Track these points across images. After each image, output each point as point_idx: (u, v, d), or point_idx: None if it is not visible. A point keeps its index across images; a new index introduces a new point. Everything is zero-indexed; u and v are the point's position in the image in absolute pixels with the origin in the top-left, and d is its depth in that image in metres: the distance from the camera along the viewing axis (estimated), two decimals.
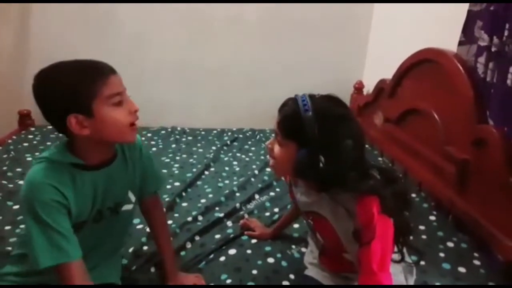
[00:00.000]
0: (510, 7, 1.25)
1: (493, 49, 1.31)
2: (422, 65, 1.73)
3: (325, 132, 0.83)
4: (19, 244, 1.01)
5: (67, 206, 0.85)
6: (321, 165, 0.83)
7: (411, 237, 1.25)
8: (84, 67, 0.85)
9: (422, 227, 1.41)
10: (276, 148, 0.90)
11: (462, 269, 1.20)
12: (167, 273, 1.12)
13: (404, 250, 0.99)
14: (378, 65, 2.39)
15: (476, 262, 1.23)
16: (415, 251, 1.02)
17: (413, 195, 1.64)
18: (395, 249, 0.94)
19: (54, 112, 0.84)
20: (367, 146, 2.17)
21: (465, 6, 1.48)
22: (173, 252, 1.17)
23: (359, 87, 2.48)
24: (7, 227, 1.33)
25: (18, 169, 1.76)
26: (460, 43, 1.51)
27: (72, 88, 0.81)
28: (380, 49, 2.41)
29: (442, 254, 1.27)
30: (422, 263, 1.21)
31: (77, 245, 0.86)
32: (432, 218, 1.47)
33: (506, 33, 1.25)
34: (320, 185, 0.91)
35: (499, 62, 1.29)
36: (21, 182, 1.63)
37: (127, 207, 1.02)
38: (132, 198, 1.03)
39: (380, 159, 2.02)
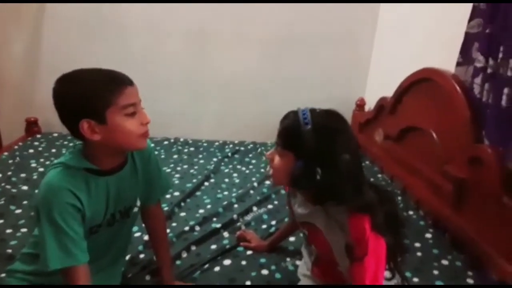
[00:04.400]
0: (505, 29, 1.28)
1: (488, 71, 1.34)
2: (422, 84, 1.76)
3: (323, 146, 0.85)
4: (31, 244, 1.03)
5: (81, 210, 0.89)
6: (318, 177, 0.85)
7: (406, 255, 1.27)
8: (103, 75, 0.88)
9: (417, 244, 1.41)
10: (276, 158, 0.93)
11: None
12: (163, 281, 1.13)
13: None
14: (380, 83, 2.42)
15: (470, 281, 1.23)
16: (403, 278, 1.01)
17: (411, 212, 1.65)
18: (386, 266, 0.95)
19: (69, 115, 0.87)
20: (367, 162, 2.18)
21: (465, 28, 1.51)
22: (170, 261, 1.18)
23: (360, 104, 2.50)
24: (9, 230, 1.36)
25: (22, 175, 1.80)
26: (458, 64, 1.54)
27: (88, 94, 0.85)
28: (382, 67, 2.44)
29: (436, 272, 1.27)
30: (416, 279, 1.22)
31: (85, 250, 0.90)
32: (428, 235, 1.48)
33: (500, 55, 1.28)
34: (316, 197, 0.93)
35: (494, 83, 1.32)
36: (24, 187, 1.67)
37: (135, 209, 1.06)
38: (138, 201, 1.06)
39: (379, 175, 2.03)
